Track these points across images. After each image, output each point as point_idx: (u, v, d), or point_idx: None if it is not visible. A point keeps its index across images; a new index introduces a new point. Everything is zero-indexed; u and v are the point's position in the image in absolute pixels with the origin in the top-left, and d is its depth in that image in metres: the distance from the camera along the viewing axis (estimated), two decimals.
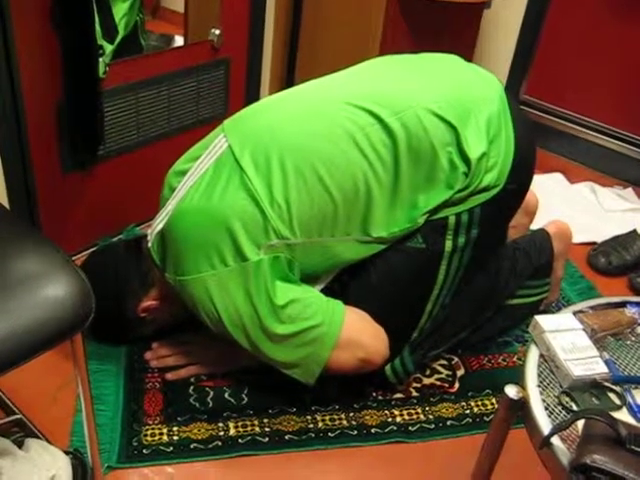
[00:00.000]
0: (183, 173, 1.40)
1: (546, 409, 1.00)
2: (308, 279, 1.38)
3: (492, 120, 1.37)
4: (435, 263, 1.39)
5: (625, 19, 2.33)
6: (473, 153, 1.32)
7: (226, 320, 1.31)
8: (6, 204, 1.58)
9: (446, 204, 1.35)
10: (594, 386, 1.05)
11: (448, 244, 1.37)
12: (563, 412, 1.01)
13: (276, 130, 1.34)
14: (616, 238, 2.05)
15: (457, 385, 1.56)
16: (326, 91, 1.42)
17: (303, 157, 1.29)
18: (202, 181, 1.34)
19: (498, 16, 2.39)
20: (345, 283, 1.45)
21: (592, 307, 1.24)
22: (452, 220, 1.36)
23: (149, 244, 1.44)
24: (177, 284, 1.35)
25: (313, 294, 1.35)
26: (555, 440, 0.93)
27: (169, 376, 1.49)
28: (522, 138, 1.39)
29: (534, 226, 1.77)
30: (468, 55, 2.15)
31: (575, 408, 1.02)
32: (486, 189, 1.35)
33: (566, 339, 1.09)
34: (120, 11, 1.83)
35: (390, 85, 1.40)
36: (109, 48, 1.75)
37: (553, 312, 1.73)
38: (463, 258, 1.40)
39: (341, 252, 1.36)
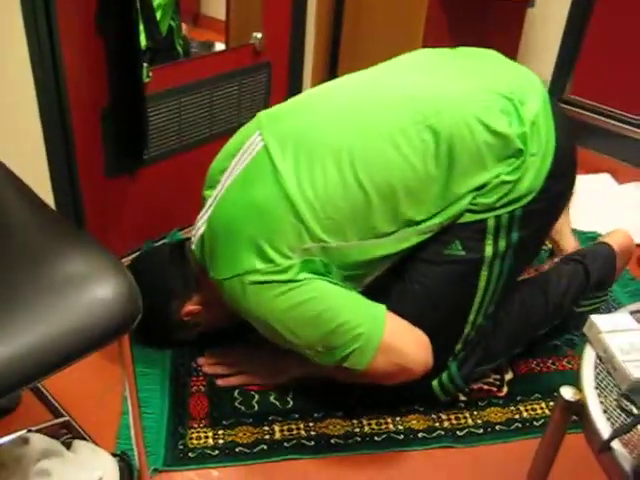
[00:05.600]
0: (222, 171, 1.39)
1: (604, 412, 0.96)
2: (349, 281, 1.35)
3: (537, 117, 1.33)
4: (476, 270, 1.34)
5: None
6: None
7: (267, 318, 1.30)
8: (52, 206, 1.60)
9: (489, 207, 1.31)
10: None
11: (488, 249, 1.32)
12: (623, 415, 0.97)
13: (315, 131, 1.31)
14: None
15: (505, 389, 1.52)
16: (367, 89, 1.39)
17: (341, 158, 1.26)
18: (239, 180, 1.33)
19: (543, 14, 2.35)
20: (385, 289, 1.40)
21: None
22: (491, 223, 1.31)
23: (192, 246, 1.43)
24: (219, 284, 1.35)
25: (353, 297, 1.33)
26: (615, 444, 0.90)
27: (220, 382, 1.49)
28: (563, 140, 1.34)
29: (584, 224, 1.71)
30: (512, 53, 2.11)
31: (635, 411, 0.98)
32: (526, 194, 1.31)
33: (624, 340, 1.05)
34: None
35: (433, 83, 1.36)
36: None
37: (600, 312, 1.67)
38: (504, 264, 1.35)
39: (378, 249, 1.32)
